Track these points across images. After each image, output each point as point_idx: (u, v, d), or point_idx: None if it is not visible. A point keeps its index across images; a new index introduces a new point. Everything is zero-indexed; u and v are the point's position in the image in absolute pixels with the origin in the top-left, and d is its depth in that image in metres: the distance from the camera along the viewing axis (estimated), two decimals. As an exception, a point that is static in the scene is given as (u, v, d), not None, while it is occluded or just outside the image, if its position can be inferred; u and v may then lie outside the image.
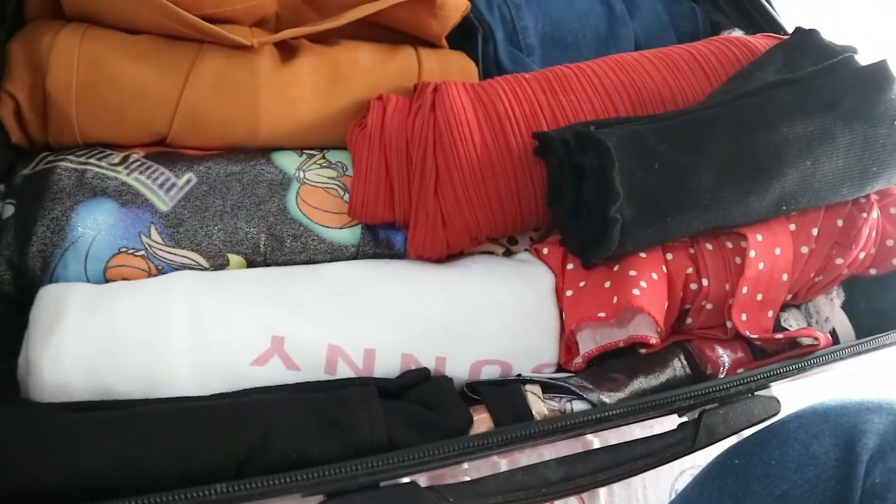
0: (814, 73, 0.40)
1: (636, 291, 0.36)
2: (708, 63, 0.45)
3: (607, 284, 0.38)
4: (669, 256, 0.40)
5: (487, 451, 0.31)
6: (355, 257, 0.42)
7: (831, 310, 0.43)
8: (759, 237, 0.40)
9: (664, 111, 0.42)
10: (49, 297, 0.36)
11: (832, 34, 0.45)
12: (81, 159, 0.40)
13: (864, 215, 0.42)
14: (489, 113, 0.41)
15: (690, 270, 0.40)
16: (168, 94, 0.42)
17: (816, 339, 0.38)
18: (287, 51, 0.46)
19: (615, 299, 0.37)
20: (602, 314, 0.37)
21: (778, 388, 0.39)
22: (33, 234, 0.37)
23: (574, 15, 0.56)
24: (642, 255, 0.39)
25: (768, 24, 0.55)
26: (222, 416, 0.32)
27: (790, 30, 0.54)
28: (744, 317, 0.39)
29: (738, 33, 0.57)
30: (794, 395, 0.42)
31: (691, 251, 0.40)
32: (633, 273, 0.37)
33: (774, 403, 0.39)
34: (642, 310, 0.36)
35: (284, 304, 0.37)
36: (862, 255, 0.42)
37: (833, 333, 0.43)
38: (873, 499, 0.34)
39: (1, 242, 0.37)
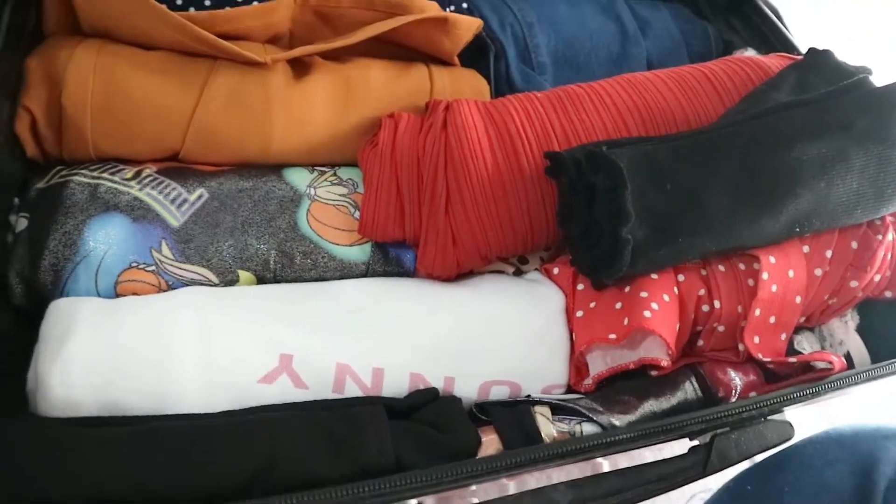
0: (828, 94, 0.39)
1: (647, 314, 0.36)
2: (721, 83, 0.44)
3: (618, 306, 0.38)
4: (681, 278, 0.39)
5: (496, 474, 0.31)
6: (365, 275, 0.42)
7: (846, 333, 0.42)
8: (772, 259, 0.40)
9: (676, 131, 0.42)
10: (59, 312, 0.36)
11: (835, 30, 0.44)
12: (94, 174, 0.40)
13: (880, 237, 0.41)
14: (501, 132, 0.41)
15: (702, 292, 0.39)
16: (181, 111, 0.42)
17: (831, 363, 0.37)
18: (300, 67, 0.46)
19: (626, 321, 0.37)
20: (613, 336, 0.37)
21: (790, 412, 0.39)
22: (45, 247, 0.37)
23: (586, 34, 0.56)
24: (654, 276, 0.38)
25: (781, 43, 0.55)
26: (229, 435, 0.32)
27: (803, 49, 0.54)
28: (756, 339, 0.38)
29: (750, 52, 0.57)
30: (807, 418, 0.41)
31: (703, 273, 0.40)
32: (644, 294, 0.37)
33: (787, 428, 0.38)
34: (653, 332, 0.36)
35: (293, 321, 0.37)
36: (877, 278, 0.42)
37: (848, 357, 0.42)
38: None
39: (13, 256, 0.37)
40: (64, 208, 0.38)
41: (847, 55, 0.46)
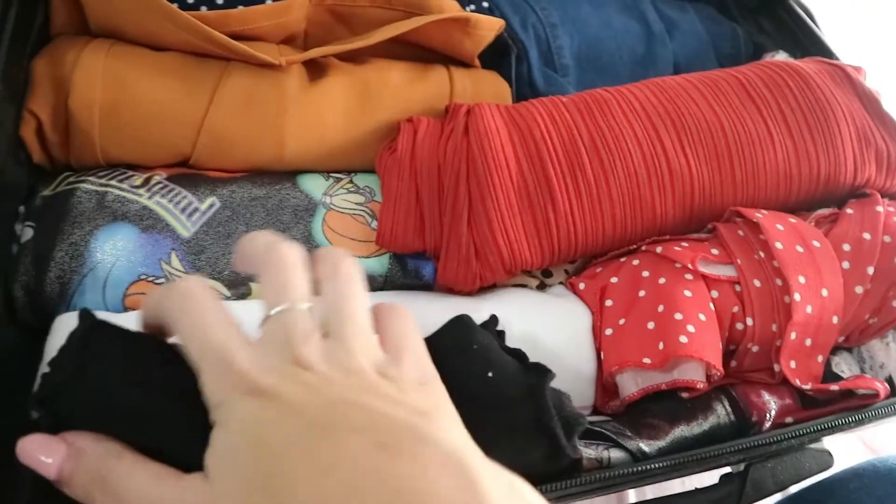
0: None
1: (683, 339, 0.34)
2: (756, 90, 0.42)
3: (651, 325, 0.36)
4: (715, 294, 0.37)
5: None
6: (382, 288, 0.40)
7: (887, 355, 0.40)
8: (802, 279, 0.38)
9: (710, 139, 0.40)
10: (65, 328, 0.34)
11: (870, 32, 0.42)
12: (102, 181, 0.39)
13: (924, 254, 0.39)
14: (525, 139, 0.39)
15: (736, 309, 0.37)
16: (192, 114, 0.41)
17: (875, 390, 0.35)
18: (315, 69, 0.45)
19: (661, 345, 0.35)
20: (647, 360, 0.35)
21: (828, 437, 0.37)
22: (51, 259, 0.36)
23: (611, 34, 0.54)
24: (687, 293, 0.36)
25: (814, 46, 0.53)
26: None
27: (838, 52, 0.52)
28: (793, 364, 0.37)
29: (782, 55, 0.54)
30: (842, 443, 0.39)
31: (737, 288, 0.38)
32: (678, 317, 0.35)
33: (826, 457, 0.36)
34: (693, 358, 0.34)
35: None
36: (922, 297, 0.40)
37: (890, 381, 0.40)
38: None
39: (19, 267, 0.36)
40: (70, 218, 0.37)
41: (881, 58, 0.44)
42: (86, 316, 0.28)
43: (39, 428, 0.26)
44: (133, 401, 0.26)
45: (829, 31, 0.55)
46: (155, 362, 0.27)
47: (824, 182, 0.42)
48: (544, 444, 0.29)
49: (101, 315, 0.34)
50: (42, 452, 0.25)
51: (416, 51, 0.48)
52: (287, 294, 0.26)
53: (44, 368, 0.33)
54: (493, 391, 0.30)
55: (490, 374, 0.30)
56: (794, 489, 0.36)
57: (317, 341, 0.25)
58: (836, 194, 0.43)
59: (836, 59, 0.51)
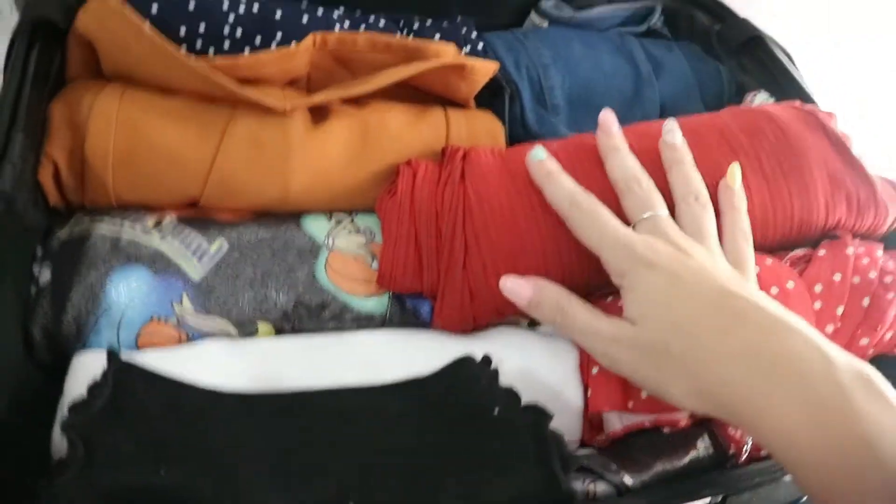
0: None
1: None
2: (735, 138, 0.45)
3: (633, 367, 0.39)
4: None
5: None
6: (382, 326, 0.42)
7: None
8: None
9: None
10: (84, 367, 0.36)
11: (847, 73, 0.45)
12: (116, 225, 0.41)
13: (891, 296, 0.42)
14: (519, 187, 0.42)
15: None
16: (202, 158, 0.43)
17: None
18: (318, 112, 0.47)
19: (644, 394, 0.37)
20: (631, 404, 0.37)
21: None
22: (68, 301, 0.38)
23: (600, 76, 0.57)
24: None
25: (793, 89, 0.55)
26: None
27: (816, 95, 0.55)
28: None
29: (763, 96, 0.57)
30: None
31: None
32: None
33: (796, 488, 0.39)
34: (673, 412, 0.36)
35: (313, 373, 0.38)
36: (888, 336, 0.42)
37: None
38: None
39: (37, 309, 0.38)
40: (87, 260, 0.38)
41: (859, 101, 0.47)
42: (113, 356, 0.31)
43: (73, 456, 0.28)
44: (162, 431, 0.28)
45: (804, 67, 0.58)
46: (178, 398, 0.29)
47: (798, 225, 0.45)
48: (543, 479, 0.31)
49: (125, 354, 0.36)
50: (518, 289, 0.38)
51: (413, 92, 0.50)
52: (652, 205, 0.39)
53: (66, 403, 0.35)
54: (499, 427, 0.32)
55: (496, 412, 0.33)
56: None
57: (689, 240, 0.37)
58: (810, 236, 0.46)
59: (812, 100, 0.53)
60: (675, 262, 0.35)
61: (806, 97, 0.54)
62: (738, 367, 0.32)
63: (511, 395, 0.35)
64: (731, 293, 0.34)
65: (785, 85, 0.55)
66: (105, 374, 0.30)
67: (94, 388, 0.29)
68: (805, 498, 0.39)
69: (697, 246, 0.37)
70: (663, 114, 0.57)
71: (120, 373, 0.30)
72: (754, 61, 0.59)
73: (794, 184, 0.44)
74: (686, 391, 0.33)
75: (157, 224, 0.41)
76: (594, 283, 0.42)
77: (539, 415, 0.33)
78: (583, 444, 0.41)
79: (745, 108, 0.48)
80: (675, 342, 0.33)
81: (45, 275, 0.38)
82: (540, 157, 0.42)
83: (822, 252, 0.44)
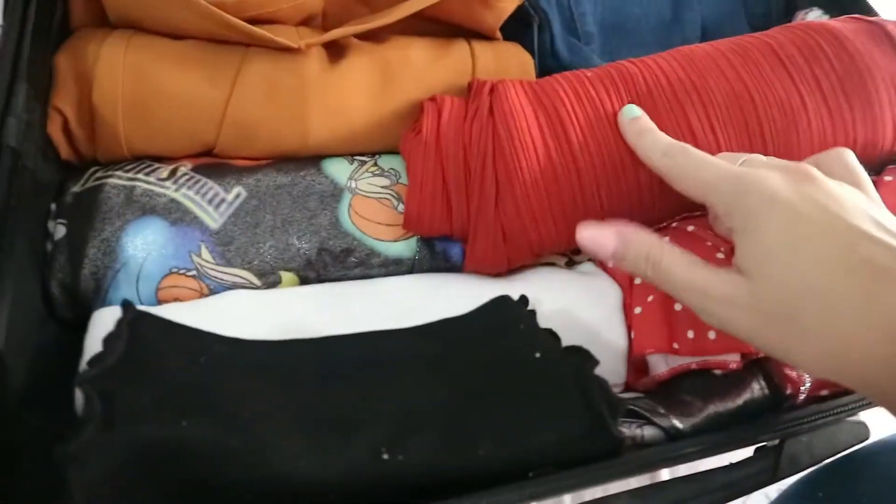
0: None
1: (712, 335, 0.34)
2: (789, 56, 0.41)
3: (678, 307, 0.36)
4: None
5: (558, 493, 0.30)
6: (411, 271, 0.40)
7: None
8: None
9: (739, 113, 0.39)
10: (103, 323, 0.35)
11: None
12: (129, 175, 0.39)
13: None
14: (551, 118, 0.39)
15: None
16: (214, 103, 0.40)
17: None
18: (335, 50, 0.44)
19: (691, 334, 0.35)
20: (676, 346, 0.35)
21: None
22: (85, 255, 0.36)
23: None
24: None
25: (852, 2, 0.51)
26: None
27: (879, 8, 0.50)
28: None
29: (816, 13, 0.52)
30: (875, 414, 0.39)
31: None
32: None
33: (862, 429, 0.36)
34: (720, 354, 0.34)
35: (343, 324, 0.36)
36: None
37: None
38: None
39: (54, 265, 0.36)
40: (101, 214, 0.37)
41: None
42: (128, 306, 0.29)
43: (89, 412, 0.26)
44: (183, 381, 0.27)
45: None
46: (198, 347, 0.28)
47: (861, 148, 0.41)
48: (590, 424, 0.29)
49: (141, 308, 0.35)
50: (600, 240, 0.33)
51: (435, 26, 0.47)
52: (736, 156, 0.33)
53: (86, 359, 0.34)
54: (541, 371, 0.30)
55: (538, 355, 0.30)
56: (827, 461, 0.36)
57: (805, 166, 0.31)
58: (874, 160, 0.42)
59: (875, 14, 0.49)
60: (797, 193, 0.29)
61: (867, 10, 0.49)
62: (887, 345, 0.26)
63: (552, 338, 0.32)
64: (869, 237, 0.27)
65: (844, 1, 0.50)
66: (119, 325, 0.28)
67: (109, 340, 0.28)
68: (866, 442, 0.37)
69: (815, 171, 0.31)
70: (705, 38, 0.53)
71: (135, 322, 0.29)
72: (805, -26, 0.54)
73: (858, 105, 0.40)
74: (816, 359, 0.28)
75: (172, 174, 0.39)
76: (646, 218, 0.40)
77: (583, 358, 0.31)
78: (627, 387, 0.39)
79: (799, 24, 0.44)
80: (807, 309, 0.27)
81: (59, 230, 0.37)
82: (634, 114, 0.37)
83: (888, 178, 0.41)
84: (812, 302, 0.27)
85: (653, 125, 0.37)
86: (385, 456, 0.27)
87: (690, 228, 0.39)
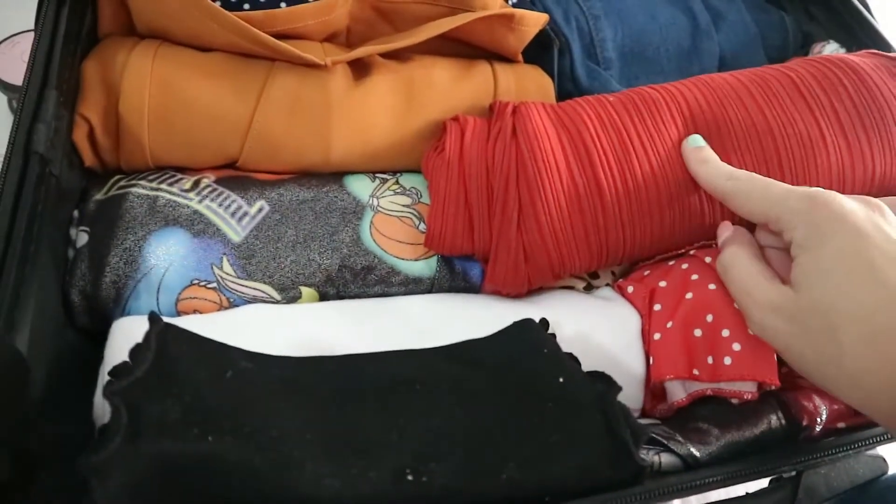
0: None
1: (727, 360, 0.34)
2: (809, 88, 0.41)
3: (698, 333, 0.36)
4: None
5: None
6: (430, 290, 0.40)
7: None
8: None
9: (758, 144, 0.39)
10: (124, 332, 0.35)
11: None
12: (153, 185, 0.39)
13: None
14: (575, 141, 0.39)
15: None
16: (240, 117, 0.41)
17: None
18: (360, 68, 0.44)
19: (710, 359, 0.35)
20: (696, 372, 0.35)
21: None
22: (106, 264, 0.36)
23: (656, 27, 0.53)
24: (736, 305, 0.36)
25: (868, 35, 0.51)
26: None
27: (891, 37, 0.51)
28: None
29: (832, 46, 0.53)
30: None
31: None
32: (725, 333, 0.35)
33: (881, 462, 0.36)
34: (739, 380, 0.34)
35: (362, 341, 0.36)
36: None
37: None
38: None
39: (75, 272, 0.36)
40: (124, 223, 0.37)
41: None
42: (156, 318, 0.29)
43: (116, 423, 0.26)
44: (208, 397, 0.27)
45: (883, 19, 0.54)
46: (224, 362, 0.28)
47: (879, 181, 0.41)
48: (613, 450, 0.29)
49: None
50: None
51: (458, 46, 0.48)
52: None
53: (107, 369, 0.33)
54: (565, 396, 0.30)
55: (561, 380, 0.30)
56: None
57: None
58: (892, 192, 0.42)
59: (893, 50, 0.49)
60: (867, 218, 0.30)
61: (885, 45, 0.49)
62: None
63: (574, 363, 0.32)
64: None
65: (860, 33, 0.51)
66: (147, 337, 0.28)
67: (136, 352, 0.28)
68: (887, 474, 0.37)
69: (885, 206, 0.32)
70: (723, 68, 0.54)
71: (162, 335, 0.29)
72: (823, 8, 0.55)
73: (876, 139, 0.41)
74: (847, 382, 0.28)
75: (195, 185, 0.39)
76: (667, 244, 0.40)
77: (607, 384, 0.31)
78: (643, 414, 0.39)
79: (818, 58, 0.44)
80: (850, 330, 0.28)
81: (81, 238, 0.37)
82: (699, 143, 0.39)
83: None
84: (856, 325, 0.28)
85: (714, 155, 0.38)
86: (409, 478, 0.27)
87: (708, 260, 0.39)
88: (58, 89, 0.37)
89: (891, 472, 0.36)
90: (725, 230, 0.37)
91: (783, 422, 0.37)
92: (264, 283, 0.38)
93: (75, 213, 0.38)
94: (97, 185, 0.40)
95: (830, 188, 0.39)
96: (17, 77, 0.62)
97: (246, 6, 0.45)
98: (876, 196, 0.42)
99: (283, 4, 0.45)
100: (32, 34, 0.39)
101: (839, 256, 0.29)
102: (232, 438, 0.26)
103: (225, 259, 0.38)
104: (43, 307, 0.33)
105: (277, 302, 0.38)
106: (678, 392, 0.37)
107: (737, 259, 0.34)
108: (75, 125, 0.39)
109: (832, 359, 0.28)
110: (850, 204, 0.31)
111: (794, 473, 0.35)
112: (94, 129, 0.40)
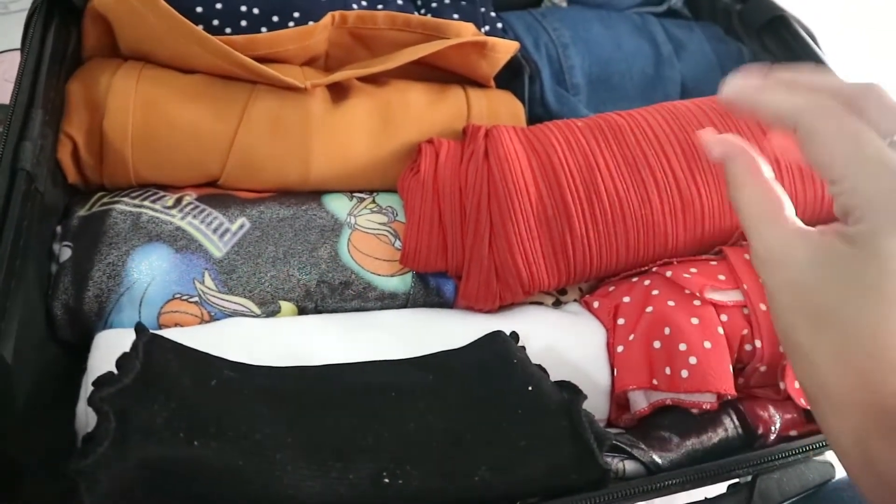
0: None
1: (684, 373, 0.36)
2: (763, 115, 0.44)
3: (657, 345, 0.38)
4: (724, 318, 0.39)
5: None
6: (405, 305, 0.42)
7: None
8: None
9: (720, 166, 0.42)
10: (107, 344, 0.36)
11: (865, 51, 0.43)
12: (136, 202, 0.40)
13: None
14: (543, 163, 0.41)
15: (745, 332, 0.39)
16: (222, 137, 0.42)
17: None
18: (338, 91, 0.46)
19: (668, 370, 0.37)
20: (656, 382, 0.37)
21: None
22: (89, 278, 0.37)
23: (621, 55, 0.56)
24: (694, 320, 0.38)
25: (805, 54, 0.55)
26: None
27: (836, 71, 0.54)
28: (797, 384, 0.38)
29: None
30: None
31: (745, 311, 0.40)
32: (682, 347, 0.37)
33: (829, 468, 0.38)
34: (695, 392, 0.36)
35: (341, 353, 0.37)
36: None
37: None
38: None
39: (58, 286, 0.37)
40: (108, 238, 0.38)
41: (883, 78, 0.46)
42: (142, 329, 0.30)
43: (104, 429, 0.27)
44: (194, 403, 0.28)
45: (827, 49, 0.57)
46: (209, 371, 0.29)
47: (829, 205, 0.44)
48: (578, 454, 0.31)
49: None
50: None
51: (433, 71, 0.50)
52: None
53: (90, 379, 0.34)
54: (534, 404, 0.32)
55: (530, 388, 0.32)
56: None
57: None
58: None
59: (824, 64, 0.53)
60: None
61: (818, 60, 0.53)
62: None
63: (542, 373, 0.34)
64: None
65: (807, 62, 0.54)
66: (135, 346, 0.29)
67: (123, 360, 0.29)
68: (835, 479, 0.39)
69: None
70: (684, 94, 0.57)
71: (149, 344, 0.30)
72: (777, 41, 0.58)
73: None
74: (829, 367, 0.23)
75: (178, 202, 0.41)
76: (632, 262, 0.42)
77: (573, 393, 0.33)
78: (609, 423, 0.41)
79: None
80: (865, 307, 0.23)
81: (64, 253, 0.38)
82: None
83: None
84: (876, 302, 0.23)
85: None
86: (386, 480, 0.28)
87: (669, 274, 0.41)
88: (43, 108, 0.38)
89: (837, 476, 0.39)
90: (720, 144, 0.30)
91: (740, 430, 0.40)
92: (245, 297, 0.39)
93: (58, 228, 0.39)
94: (80, 202, 0.40)
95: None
96: (0, 96, 0.63)
97: (228, 30, 0.46)
98: (826, 218, 0.45)
99: (264, 29, 0.47)
100: (16, 54, 0.40)
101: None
102: (217, 443, 0.27)
103: (207, 274, 0.39)
104: (27, 320, 0.34)
105: (257, 316, 0.39)
106: (641, 402, 0.39)
107: (753, 190, 0.28)
108: (60, 143, 0.40)
109: (828, 338, 0.24)
110: None
111: (749, 478, 0.37)
112: (78, 148, 0.41)
